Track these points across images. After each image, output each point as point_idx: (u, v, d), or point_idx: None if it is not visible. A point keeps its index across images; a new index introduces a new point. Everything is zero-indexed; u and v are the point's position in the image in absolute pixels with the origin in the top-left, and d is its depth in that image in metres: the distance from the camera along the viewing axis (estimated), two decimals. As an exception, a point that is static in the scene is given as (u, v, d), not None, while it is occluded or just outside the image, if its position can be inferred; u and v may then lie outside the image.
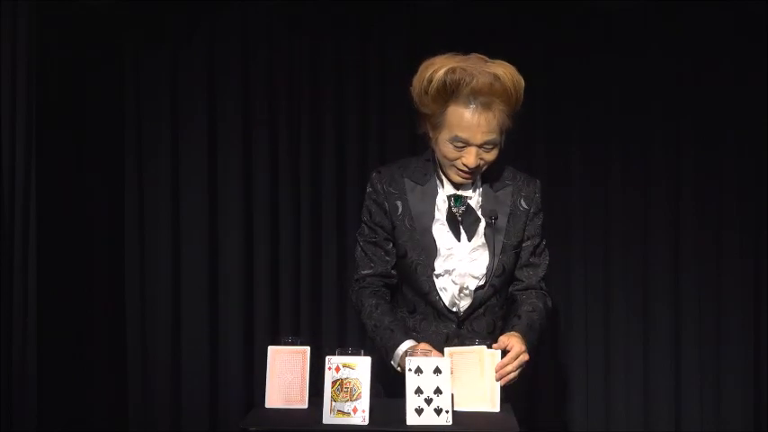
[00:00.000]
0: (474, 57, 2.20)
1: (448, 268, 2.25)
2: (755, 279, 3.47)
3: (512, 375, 2.07)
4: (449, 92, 2.15)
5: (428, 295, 2.27)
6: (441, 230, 2.27)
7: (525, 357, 2.09)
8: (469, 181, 2.26)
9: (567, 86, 3.45)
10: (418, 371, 1.94)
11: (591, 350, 3.48)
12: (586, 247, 3.48)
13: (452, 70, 2.14)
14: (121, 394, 3.40)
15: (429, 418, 1.91)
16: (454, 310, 2.28)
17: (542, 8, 3.40)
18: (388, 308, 2.30)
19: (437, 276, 2.26)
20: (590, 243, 3.48)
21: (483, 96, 2.14)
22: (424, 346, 2.15)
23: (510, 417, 2.01)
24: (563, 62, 3.44)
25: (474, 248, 2.26)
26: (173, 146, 3.41)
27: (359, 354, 1.97)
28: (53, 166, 3.07)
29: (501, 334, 2.22)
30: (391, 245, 2.32)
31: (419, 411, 1.92)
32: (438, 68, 2.16)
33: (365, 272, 2.33)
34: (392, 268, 2.33)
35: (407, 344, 2.18)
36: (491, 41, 3.42)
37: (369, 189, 2.35)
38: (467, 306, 2.28)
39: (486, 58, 2.21)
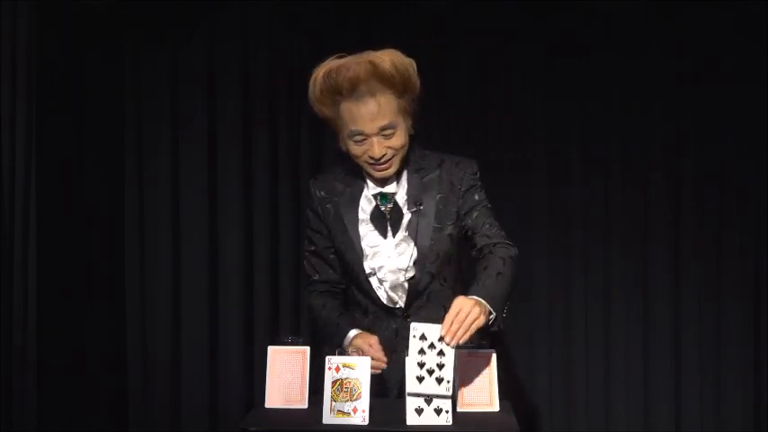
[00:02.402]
0: (363, 52, 2.18)
1: (375, 266, 2.25)
2: (755, 279, 3.47)
3: (461, 333, 1.94)
4: (333, 91, 2.15)
5: (369, 293, 2.27)
6: (365, 230, 2.26)
7: (468, 316, 1.95)
8: (389, 172, 2.23)
9: (567, 86, 3.45)
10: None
11: (591, 350, 3.48)
12: (586, 247, 3.48)
13: (329, 70, 2.16)
14: (121, 394, 3.40)
15: (429, 418, 1.91)
16: (396, 305, 2.27)
17: (542, 8, 3.40)
18: (335, 304, 2.32)
19: (370, 276, 2.26)
20: (590, 243, 3.48)
21: (363, 85, 2.13)
22: (366, 337, 2.16)
23: (510, 416, 2.01)
24: (563, 62, 3.44)
25: (398, 243, 2.25)
26: (173, 146, 3.42)
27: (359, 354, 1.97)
28: (53, 166, 3.06)
29: None
30: (332, 253, 2.33)
31: (419, 411, 1.92)
32: (318, 73, 2.18)
33: (314, 278, 2.37)
34: (338, 274, 2.34)
35: (352, 333, 2.21)
36: (491, 41, 3.44)
37: (308, 197, 2.37)
38: (405, 300, 2.27)
39: (372, 51, 2.17)
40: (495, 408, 2.05)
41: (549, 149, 3.47)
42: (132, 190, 3.41)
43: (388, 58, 2.14)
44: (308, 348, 2.09)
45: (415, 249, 2.23)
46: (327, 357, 1.96)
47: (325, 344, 2.26)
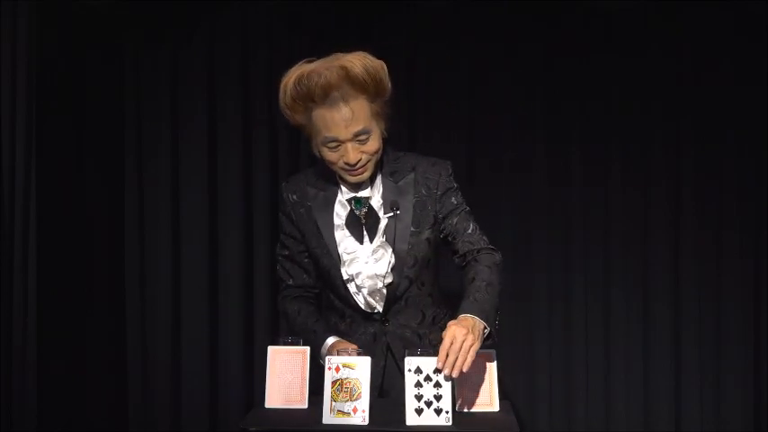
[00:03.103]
0: (332, 56, 2.14)
1: (353, 273, 2.22)
2: (755, 279, 3.47)
3: (459, 362, 1.91)
4: (304, 98, 2.11)
5: (347, 299, 2.26)
6: (341, 235, 2.24)
7: (464, 344, 1.92)
8: (364, 177, 2.21)
9: (567, 86, 3.45)
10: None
11: (591, 350, 3.48)
12: (586, 247, 3.48)
13: (300, 76, 2.10)
14: (121, 394, 3.40)
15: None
16: (374, 310, 2.26)
17: (542, 8, 3.40)
18: (311, 310, 2.31)
19: (347, 282, 2.24)
20: (590, 243, 3.48)
21: (335, 91, 2.09)
22: (344, 344, 2.16)
23: (510, 417, 2.01)
24: (563, 62, 3.44)
25: (375, 249, 2.22)
26: (173, 146, 3.42)
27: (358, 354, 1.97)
28: (53, 166, 3.06)
29: (434, 321, 2.26)
30: (306, 257, 2.31)
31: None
32: (288, 80, 2.13)
33: (287, 282, 2.35)
34: (312, 278, 2.33)
35: (329, 341, 2.21)
36: (491, 41, 3.44)
37: (281, 201, 2.34)
38: (383, 305, 2.25)
39: (342, 54, 2.13)
40: (495, 408, 2.05)
41: (549, 149, 3.47)
42: (132, 190, 3.41)
43: (359, 63, 2.09)
44: (308, 348, 2.09)
45: (393, 255, 2.21)
46: (327, 357, 1.96)
47: None
